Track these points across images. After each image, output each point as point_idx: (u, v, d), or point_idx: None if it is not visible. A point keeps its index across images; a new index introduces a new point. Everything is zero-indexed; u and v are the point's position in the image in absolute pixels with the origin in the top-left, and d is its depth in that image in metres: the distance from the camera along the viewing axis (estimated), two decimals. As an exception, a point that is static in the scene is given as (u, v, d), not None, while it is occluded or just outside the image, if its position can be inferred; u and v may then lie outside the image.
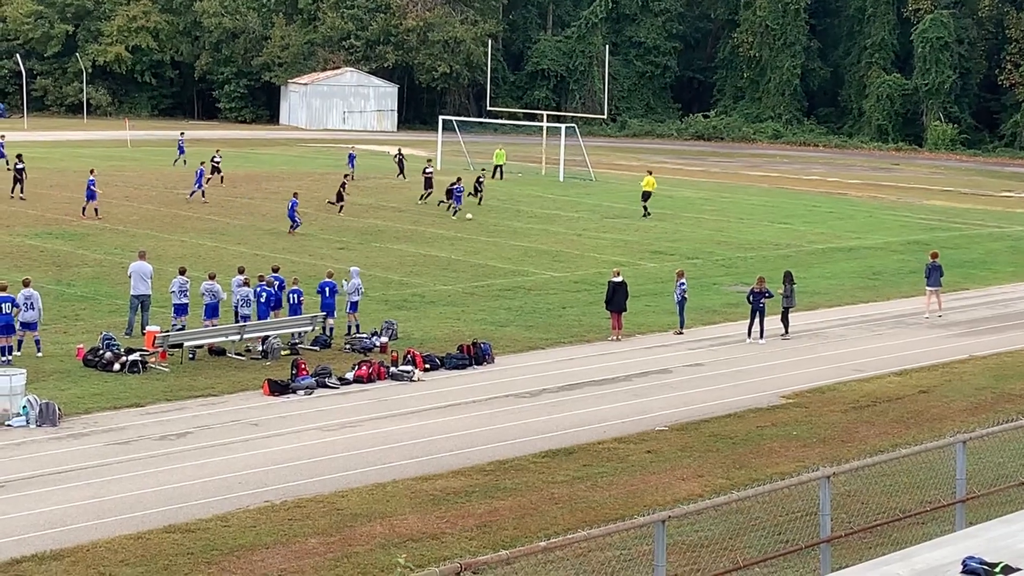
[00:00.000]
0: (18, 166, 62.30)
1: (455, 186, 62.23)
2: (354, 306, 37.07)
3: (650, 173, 68.04)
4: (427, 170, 67.22)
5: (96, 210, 56.02)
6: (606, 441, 27.87)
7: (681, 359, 35.81)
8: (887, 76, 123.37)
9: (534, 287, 45.39)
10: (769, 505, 19.61)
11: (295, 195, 56.48)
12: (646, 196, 64.83)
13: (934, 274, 42.62)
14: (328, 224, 57.66)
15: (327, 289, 36.56)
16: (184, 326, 35.09)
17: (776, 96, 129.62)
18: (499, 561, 13.71)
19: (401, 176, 75.94)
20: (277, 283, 36.49)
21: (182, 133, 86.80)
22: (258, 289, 36.00)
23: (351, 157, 76.67)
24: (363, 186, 72.41)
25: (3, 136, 76.19)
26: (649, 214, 63.90)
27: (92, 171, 58.12)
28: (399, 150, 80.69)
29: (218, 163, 71.87)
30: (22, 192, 61.49)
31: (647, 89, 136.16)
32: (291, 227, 54.46)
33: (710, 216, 66.02)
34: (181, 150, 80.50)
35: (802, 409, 31.03)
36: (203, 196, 63.97)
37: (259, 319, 35.55)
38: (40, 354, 33.04)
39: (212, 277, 36.22)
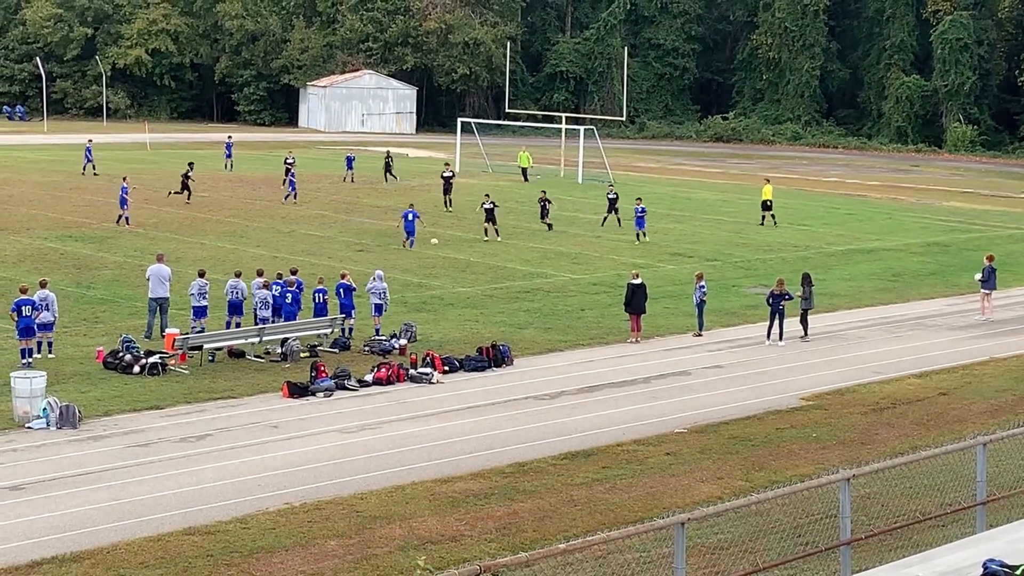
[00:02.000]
0: (188, 174, 64.20)
1: (636, 207, 56.85)
2: (378, 309, 37.12)
3: (768, 182, 65.93)
4: (444, 173, 66.45)
5: (127, 219, 55.46)
6: (625, 443, 27.85)
7: (700, 361, 35.76)
8: (906, 78, 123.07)
9: (553, 289, 45.37)
10: (789, 507, 19.58)
11: (412, 205, 54.28)
12: (767, 206, 63.48)
13: (992, 277, 42.43)
14: (347, 227, 57.71)
15: (342, 290, 36.72)
16: (204, 328, 35.20)
17: (795, 98, 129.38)
18: (519, 563, 13.71)
19: (392, 177, 75.42)
20: (296, 285, 36.65)
21: (230, 136, 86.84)
22: (281, 289, 36.17)
23: (349, 160, 76.67)
24: (382, 188, 72.51)
25: (90, 140, 76.66)
26: (766, 223, 62.72)
27: (125, 178, 58.33)
28: (388, 152, 79.82)
29: (290, 164, 71.90)
30: (188, 197, 63.36)
31: (666, 91, 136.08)
32: (407, 240, 52.73)
33: (729, 218, 65.91)
34: (228, 154, 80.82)
35: (822, 411, 30.96)
36: (294, 198, 65.02)
37: (286, 319, 35.75)
38: (52, 355, 33.14)
39: (238, 275, 36.47)
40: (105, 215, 57.83)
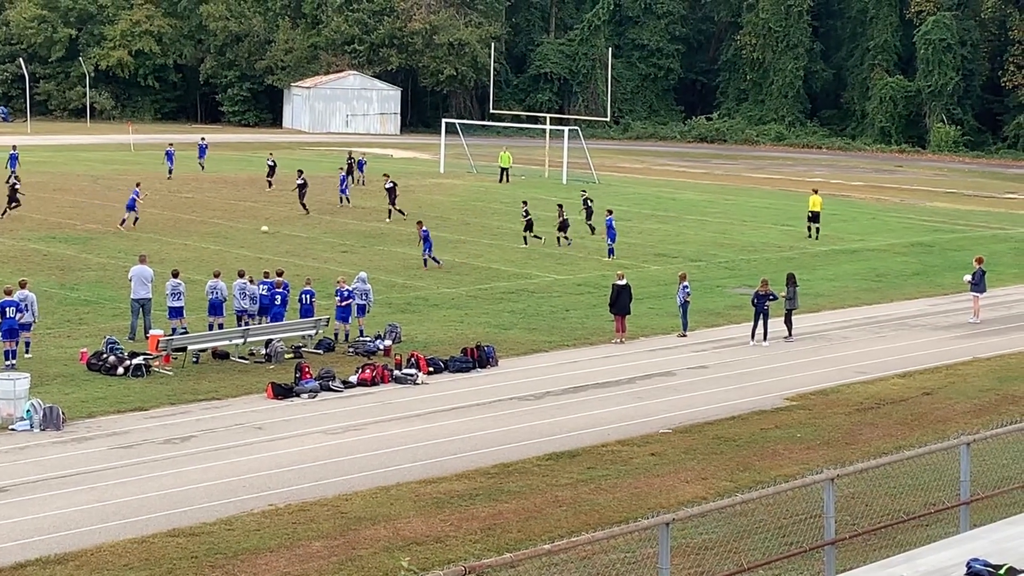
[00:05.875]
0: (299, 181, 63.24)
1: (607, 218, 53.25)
2: (361, 310, 37.16)
3: (815, 192, 61.86)
4: (386, 184, 62.17)
5: (135, 220, 55.56)
6: (610, 444, 27.87)
7: (684, 361, 35.80)
8: (890, 78, 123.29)
9: (537, 290, 45.39)
10: (773, 507, 19.62)
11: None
12: (815, 217, 60.12)
13: (983, 280, 42.41)
14: (331, 227, 57.65)
15: (339, 297, 36.86)
16: (187, 329, 35.18)
17: (779, 98, 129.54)
18: (503, 564, 13.72)
19: (269, 183, 71.14)
20: (283, 286, 36.73)
21: (203, 138, 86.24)
22: (270, 290, 36.26)
23: (360, 164, 76.15)
24: (366, 189, 72.42)
25: (171, 144, 76.74)
26: (817, 237, 59.41)
27: (138, 184, 58.48)
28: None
29: (272, 165, 71.62)
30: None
31: (650, 91, 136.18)
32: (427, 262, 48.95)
33: (713, 218, 65.99)
34: (202, 153, 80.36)
35: (806, 411, 31.01)
36: (347, 201, 64.91)
37: (273, 320, 35.83)
38: (29, 355, 33.08)
39: (217, 275, 36.53)
40: (89, 216, 57.74)
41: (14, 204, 56.97)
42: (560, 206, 56.94)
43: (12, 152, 68.85)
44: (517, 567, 14.35)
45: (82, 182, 70.26)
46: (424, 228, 49.27)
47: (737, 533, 19.92)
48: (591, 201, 60.05)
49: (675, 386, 33.16)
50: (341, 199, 65.22)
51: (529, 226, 54.83)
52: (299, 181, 62.62)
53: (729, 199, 75.14)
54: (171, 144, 77.63)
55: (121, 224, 55.12)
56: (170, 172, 73.76)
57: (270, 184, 70.64)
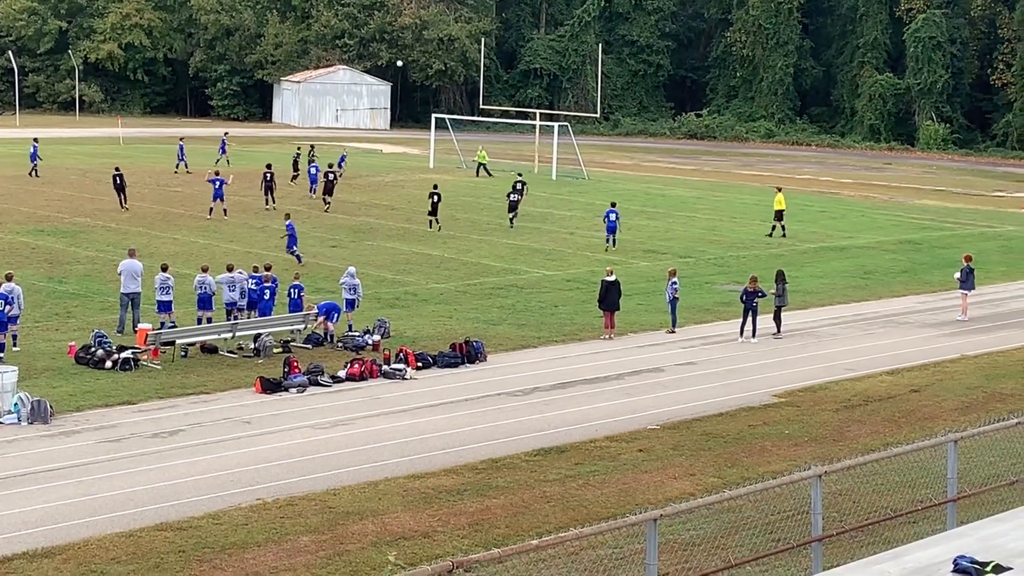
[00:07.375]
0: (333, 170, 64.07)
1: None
2: (349, 304, 37.15)
3: (779, 190, 61.04)
4: (328, 174, 62.77)
5: (224, 210, 57.40)
6: (598, 440, 27.87)
7: (673, 358, 35.81)
8: (879, 76, 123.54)
9: (527, 285, 45.38)
10: (761, 504, 19.64)
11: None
12: (779, 215, 59.28)
13: (970, 278, 42.45)
14: (321, 222, 57.59)
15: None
16: (175, 323, 35.13)
17: (769, 95, 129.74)
18: (491, 559, 13.70)
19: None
20: (272, 280, 36.72)
21: (226, 133, 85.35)
22: (259, 284, 36.24)
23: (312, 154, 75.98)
24: (356, 184, 72.37)
25: (182, 139, 77.04)
26: (775, 233, 59.01)
27: (218, 172, 60.29)
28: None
29: (297, 159, 71.95)
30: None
31: (640, 88, 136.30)
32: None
33: (703, 215, 66.04)
34: (223, 150, 79.59)
35: (794, 408, 31.04)
36: (312, 193, 65.62)
37: (262, 315, 35.81)
38: (16, 348, 33.01)
39: (205, 270, 36.50)
40: (78, 209, 57.63)
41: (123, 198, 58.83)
42: (514, 185, 59.81)
43: (33, 144, 69.94)
44: (505, 562, 14.32)
45: (71, 175, 70.10)
46: (289, 222, 48.13)
47: (725, 529, 19.93)
48: (523, 185, 61.49)
49: (663, 382, 33.18)
50: (312, 190, 65.99)
51: (433, 210, 56.70)
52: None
53: (718, 196, 75.20)
54: (182, 139, 77.86)
55: (209, 213, 57.22)
56: (177, 166, 73.67)
57: (294, 178, 70.55)
